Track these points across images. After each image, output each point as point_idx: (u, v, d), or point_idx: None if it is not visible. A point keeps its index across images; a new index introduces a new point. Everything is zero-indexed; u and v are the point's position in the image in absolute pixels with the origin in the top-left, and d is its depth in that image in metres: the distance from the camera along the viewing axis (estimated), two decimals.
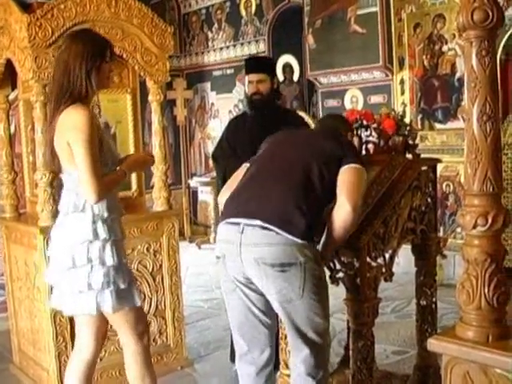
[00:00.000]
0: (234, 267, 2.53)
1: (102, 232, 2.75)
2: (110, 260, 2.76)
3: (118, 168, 2.86)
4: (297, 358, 2.60)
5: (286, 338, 2.81)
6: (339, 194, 2.53)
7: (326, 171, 2.57)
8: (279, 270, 2.42)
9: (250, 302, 2.60)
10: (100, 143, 2.73)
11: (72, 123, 2.66)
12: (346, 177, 2.55)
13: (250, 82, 4.01)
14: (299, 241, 2.43)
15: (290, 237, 2.42)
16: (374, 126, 3.23)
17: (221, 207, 2.78)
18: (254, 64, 4.14)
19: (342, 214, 2.49)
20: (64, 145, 2.70)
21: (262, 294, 2.56)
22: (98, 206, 2.75)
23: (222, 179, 3.93)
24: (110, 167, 2.81)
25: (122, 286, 2.79)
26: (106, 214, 2.77)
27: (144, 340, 2.95)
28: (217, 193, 4.20)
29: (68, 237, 2.77)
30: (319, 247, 2.60)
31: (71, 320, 3.63)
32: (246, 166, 2.82)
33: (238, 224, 2.49)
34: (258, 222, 2.44)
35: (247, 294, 2.59)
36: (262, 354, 2.68)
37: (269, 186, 2.56)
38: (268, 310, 2.62)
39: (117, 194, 2.98)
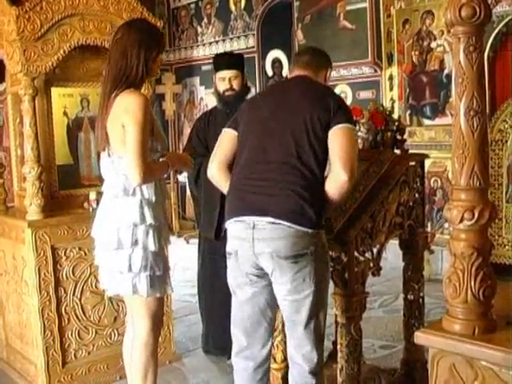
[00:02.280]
0: (247, 261, 2.52)
1: (149, 217, 2.80)
2: (152, 245, 2.81)
3: (162, 160, 2.91)
4: (297, 354, 2.60)
5: (279, 333, 2.83)
6: (333, 162, 2.48)
7: (318, 145, 2.50)
8: (292, 261, 2.43)
9: (260, 295, 2.60)
10: (151, 129, 2.79)
11: (128, 107, 2.72)
12: (337, 141, 2.49)
13: (222, 78, 4.00)
14: (310, 230, 2.44)
15: (302, 228, 2.43)
16: (363, 121, 3.24)
17: (215, 180, 2.75)
18: (227, 60, 4.12)
19: (339, 184, 2.46)
20: (118, 127, 2.74)
21: (270, 287, 2.57)
22: (148, 191, 2.80)
23: (196, 177, 3.90)
24: (160, 153, 2.88)
25: (158, 273, 2.84)
26: (154, 198, 2.82)
27: (157, 333, 2.98)
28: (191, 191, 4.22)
29: (115, 219, 2.81)
30: None
31: (59, 314, 3.64)
32: (227, 132, 2.74)
33: (248, 221, 2.48)
34: (270, 219, 2.43)
35: (258, 286, 2.58)
36: (262, 348, 2.68)
37: (270, 178, 2.50)
38: (273, 304, 2.62)
39: (163, 179, 3.01)
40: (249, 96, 4.01)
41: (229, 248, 2.60)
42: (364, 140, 3.24)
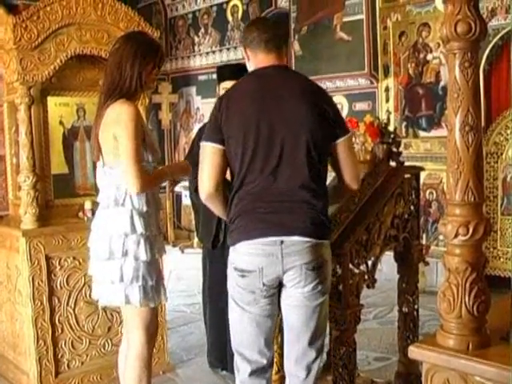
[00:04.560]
0: (272, 274, 2.46)
1: (139, 226, 2.79)
2: (143, 255, 2.80)
3: (160, 168, 2.92)
4: (298, 366, 2.58)
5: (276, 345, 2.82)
6: (344, 175, 2.58)
7: (322, 156, 2.50)
8: (318, 271, 2.47)
9: (274, 306, 2.55)
10: (143, 139, 2.78)
11: (118, 117, 2.71)
12: (345, 153, 2.55)
13: (226, 89, 4.01)
14: (327, 241, 2.53)
15: (324, 241, 2.51)
16: (359, 133, 3.25)
17: (212, 202, 2.58)
18: (231, 71, 4.14)
19: (348, 191, 2.67)
20: (110, 138, 2.75)
21: (277, 298, 2.55)
22: (138, 201, 2.80)
23: (196, 185, 3.89)
24: (150, 163, 2.85)
25: (151, 283, 2.83)
26: (144, 209, 2.82)
27: (151, 344, 2.96)
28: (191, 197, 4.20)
29: (106, 229, 2.82)
30: None
31: (53, 324, 3.63)
32: (212, 147, 2.50)
33: (274, 239, 2.43)
34: (297, 238, 2.43)
35: (271, 299, 2.53)
36: (271, 365, 2.66)
37: (285, 198, 2.45)
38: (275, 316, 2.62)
39: (157, 189, 2.99)
40: None
41: (248, 266, 2.47)
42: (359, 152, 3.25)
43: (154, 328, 2.98)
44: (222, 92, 4.05)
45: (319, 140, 2.47)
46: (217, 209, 2.65)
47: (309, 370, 2.58)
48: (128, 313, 2.93)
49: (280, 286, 2.51)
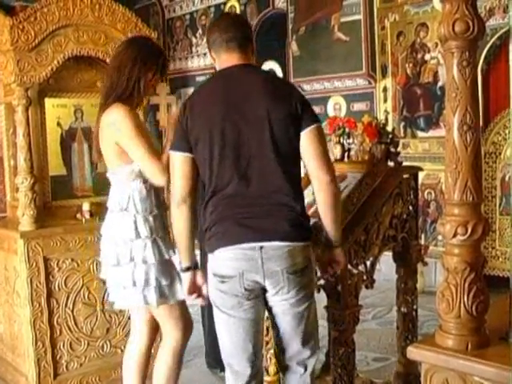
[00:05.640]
0: (253, 279, 2.40)
1: (144, 230, 2.78)
2: (151, 258, 2.79)
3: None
4: (294, 363, 2.57)
5: (272, 346, 2.80)
6: (313, 167, 2.42)
7: (293, 153, 2.43)
8: (299, 275, 2.41)
9: (261, 307, 2.50)
10: (145, 131, 2.79)
11: (114, 123, 2.71)
12: (312, 144, 2.41)
13: None
14: (308, 243, 2.45)
15: (304, 243, 2.42)
16: (357, 133, 3.25)
17: (181, 215, 2.48)
18: None
19: (327, 188, 2.42)
20: (110, 143, 2.75)
21: (264, 304, 2.50)
22: (142, 205, 2.79)
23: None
24: None
25: (164, 283, 2.82)
26: (148, 212, 2.81)
27: (184, 339, 2.96)
28: None
29: (113, 235, 2.82)
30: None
31: (51, 325, 3.62)
32: (181, 156, 2.45)
33: (253, 245, 2.37)
34: (276, 243, 2.36)
35: (255, 301, 2.46)
36: (258, 372, 2.60)
37: (262, 201, 2.39)
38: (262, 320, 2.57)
39: (160, 190, 2.97)
40: None
41: (229, 271, 2.41)
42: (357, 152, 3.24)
43: (184, 323, 2.96)
44: None
45: (285, 137, 2.39)
46: (184, 218, 2.49)
47: (305, 366, 2.57)
48: (154, 312, 2.93)
49: (263, 291, 2.45)
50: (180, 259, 2.62)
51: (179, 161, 2.46)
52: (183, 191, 2.46)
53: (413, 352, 1.85)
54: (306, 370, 2.58)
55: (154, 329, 3.07)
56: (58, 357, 3.68)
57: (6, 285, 3.85)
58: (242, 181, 2.39)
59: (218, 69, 2.58)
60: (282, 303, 2.45)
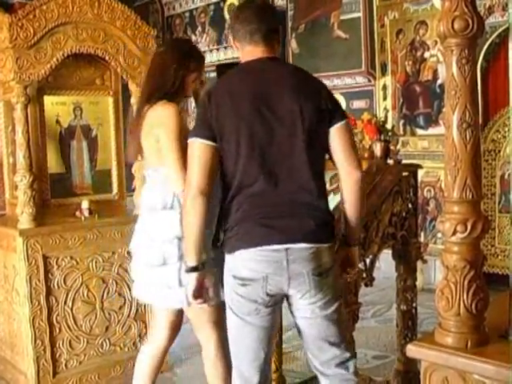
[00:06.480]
0: (277, 283, 2.32)
1: None
2: None
3: None
4: (331, 367, 2.45)
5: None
6: (343, 162, 2.36)
7: (320, 152, 2.38)
8: (325, 276, 2.35)
9: (273, 318, 2.41)
10: (185, 135, 2.69)
11: (160, 119, 2.70)
12: (343, 140, 2.37)
13: None
14: (332, 243, 2.39)
15: (329, 244, 2.37)
16: (356, 130, 3.24)
17: (198, 208, 2.32)
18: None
19: (356, 184, 2.36)
20: (152, 141, 2.73)
21: (280, 306, 2.44)
22: None
23: None
24: None
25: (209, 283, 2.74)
26: None
27: (224, 341, 2.86)
28: None
29: (157, 234, 2.76)
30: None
31: (50, 323, 3.62)
32: (203, 144, 2.31)
33: (278, 248, 2.30)
34: (302, 245, 2.30)
35: (274, 308, 2.38)
36: (260, 374, 2.48)
37: (286, 196, 2.32)
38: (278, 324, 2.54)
39: None
40: None
41: (251, 274, 2.31)
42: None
43: (221, 325, 2.85)
44: None
45: (315, 133, 2.33)
46: (198, 212, 2.34)
47: (346, 368, 2.45)
48: (194, 315, 2.88)
49: (286, 296, 2.37)
50: (185, 258, 2.47)
51: (200, 149, 2.31)
52: (201, 182, 2.30)
53: (412, 350, 1.84)
54: (347, 370, 2.45)
55: (175, 331, 3.06)
56: (57, 355, 3.68)
57: (5, 283, 3.85)
58: (269, 178, 2.30)
59: (241, 59, 2.48)
60: (310, 307, 2.36)
